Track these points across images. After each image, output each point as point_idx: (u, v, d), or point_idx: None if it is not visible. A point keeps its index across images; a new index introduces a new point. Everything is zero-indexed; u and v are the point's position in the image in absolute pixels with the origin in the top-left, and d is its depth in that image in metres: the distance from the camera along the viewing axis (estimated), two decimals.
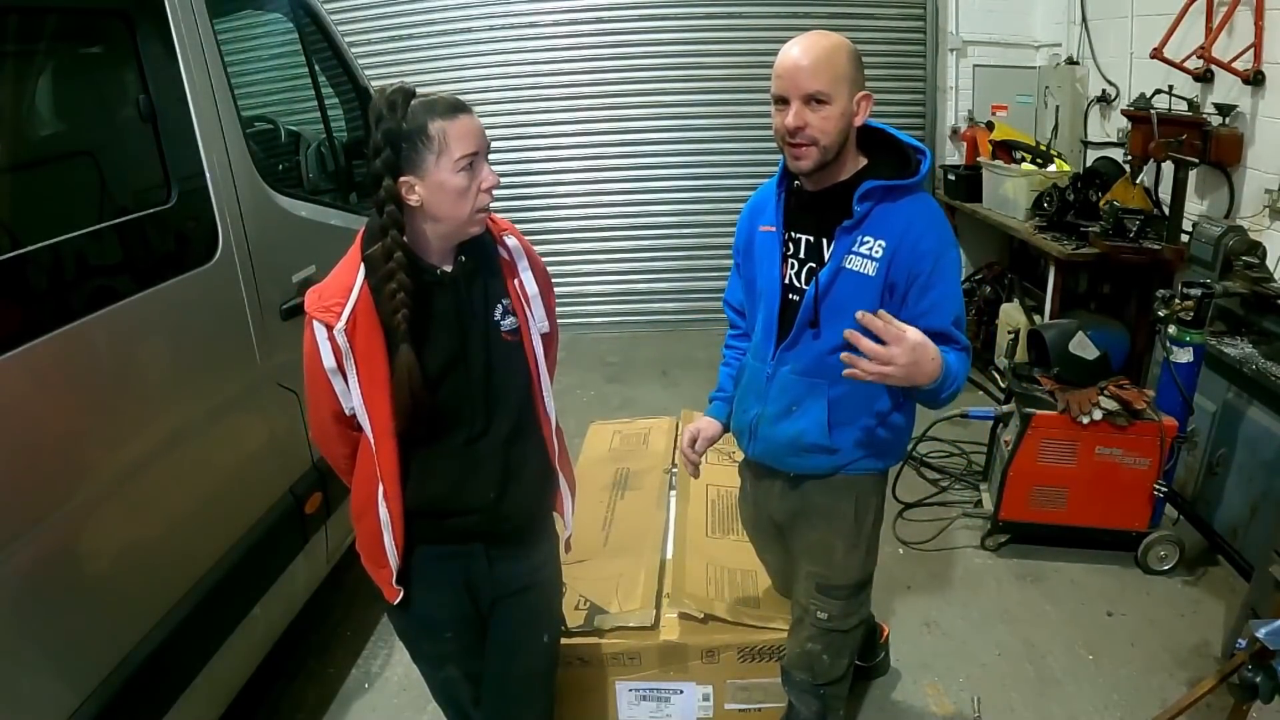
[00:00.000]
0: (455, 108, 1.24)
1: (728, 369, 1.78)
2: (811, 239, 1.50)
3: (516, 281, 1.40)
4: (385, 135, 1.21)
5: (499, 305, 1.37)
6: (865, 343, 1.27)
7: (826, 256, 1.47)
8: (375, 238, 1.26)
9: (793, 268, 1.53)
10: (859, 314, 1.28)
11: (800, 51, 1.37)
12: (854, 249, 1.44)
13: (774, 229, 1.54)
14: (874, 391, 1.51)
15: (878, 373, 1.28)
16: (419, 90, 1.26)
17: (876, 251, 1.43)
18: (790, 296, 1.53)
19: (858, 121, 1.42)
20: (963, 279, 4.68)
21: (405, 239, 1.26)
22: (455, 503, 1.39)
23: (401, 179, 1.23)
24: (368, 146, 1.25)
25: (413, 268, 1.27)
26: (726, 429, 1.74)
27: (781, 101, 1.39)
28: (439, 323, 1.32)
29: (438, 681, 1.59)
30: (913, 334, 1.29)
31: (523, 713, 1.58)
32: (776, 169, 1.53)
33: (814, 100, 1.36)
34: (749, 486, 1.79)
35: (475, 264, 1.35)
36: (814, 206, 1.49)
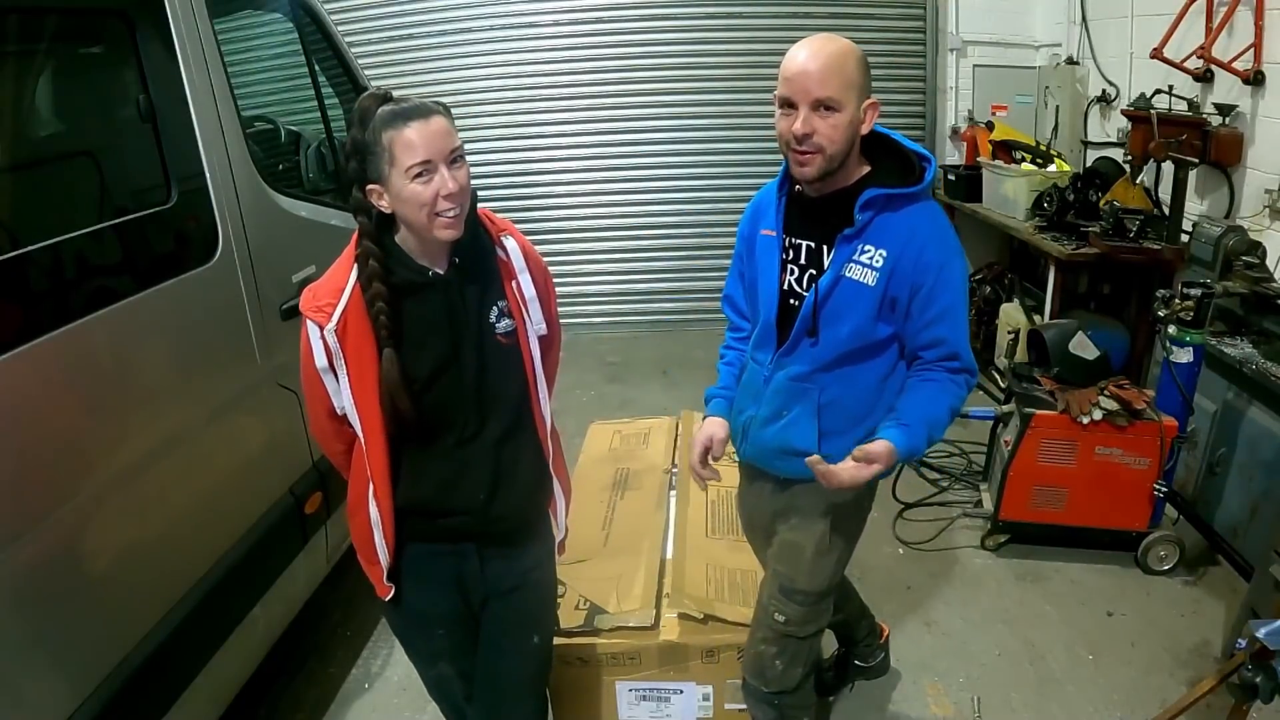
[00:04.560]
0: (406, 115, 1.20)
1: (729, 366, 1.74)
2: (812, 245, 1.48)
3: (514, 283, 1.38)
4: (353, 145, 1.23)
5: (494, 307, 1.36)
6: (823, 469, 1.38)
7: (826, 263, 1.45)
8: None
9: (792, 273, 1.51)
10: (807, 460, 1.38)
11: (809, 55, 1.33)
12: (854, 258, 1.42)
13: (774, 233, 1.52)
14: (865, 403, 1.51)
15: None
16: (395, 94, 1.25)
17: (877, 261, 1.40)
18: (790, 302, 1.51)
19: (864, 130, 1.39)
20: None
21: (387, 243, 1.28)
22: (445, 504, 1.39)
23: (370, 187, 1.24)
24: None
25: (403, 270, 1.28)
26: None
27: (788, 105, 1.36)
28: (429, 325, 1.32)
29: (431, 677, 1.59)
30: (844, 469, 1.38)
31: (512, 712, 1.58)
32: (779, 171, 1.51)
33: (823, 107, 1.33)
34: (744, 488, 1.79)
35: (469, 266, 1.34)
36: (815, 212, 1.47)
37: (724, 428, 1.66)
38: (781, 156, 1.45)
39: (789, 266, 1.51)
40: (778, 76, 1.38)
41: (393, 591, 1.43)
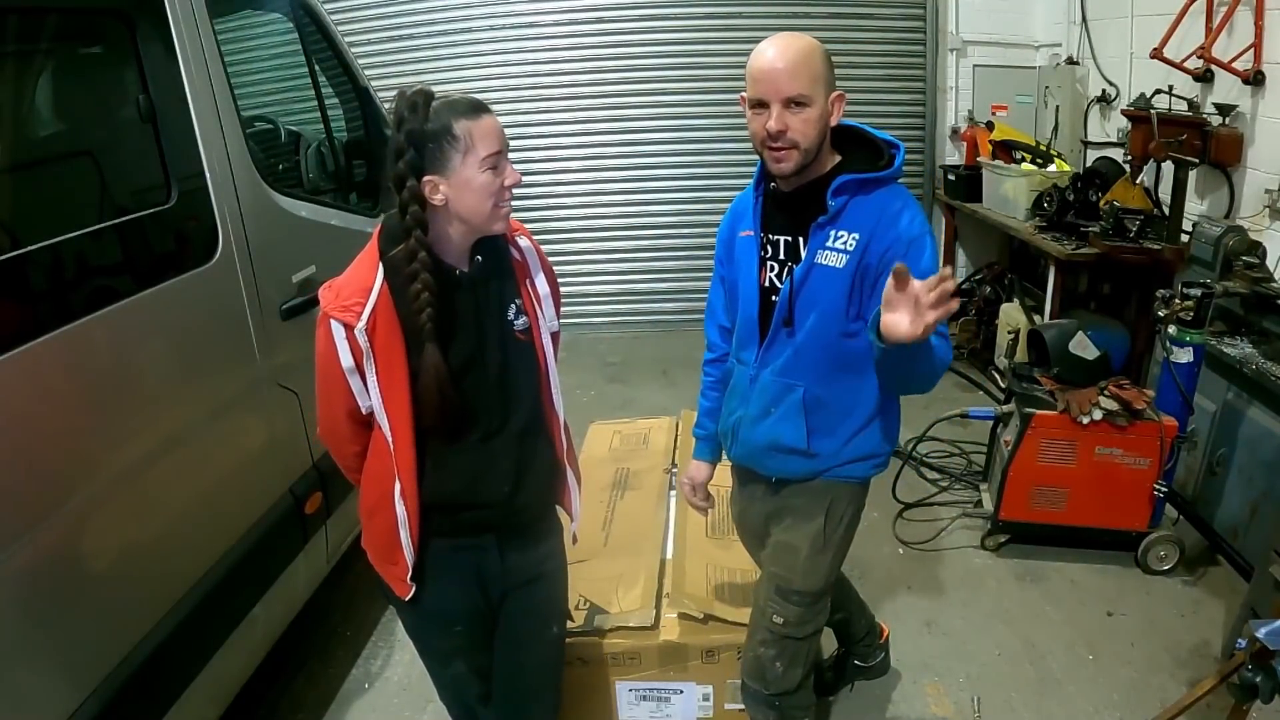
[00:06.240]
0: (477, 107, 1.25)
1: (707, 403, 1.76)
2: (789, 239, 1.49)
3: (529, 282, 1.42)
4: (408, 136, 1.22)
5: (512, 305, 1.39)
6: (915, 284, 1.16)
7: (803, 255, 1.47)
8: (397, 239, 1.26)
9: (772, 270, 1.52)
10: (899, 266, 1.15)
11: (776, 54, 1.36)
12: (827, 244, 1.43)
13: (752, 232, 1.53)
14: (852, 392, 1.51)
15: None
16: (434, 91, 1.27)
17: (849, 244, 1.41)
18: (771, 299, 1.52)
19: (833, 122, 1.41)
20: (962, 279, 4.69)
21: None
22: (471, 497, 1.41)
23: (426, 179, 1.23)
24: (387, 148, 1.25)
25: (435, 268, 1.27)
26: (716, 463, 1.78)
27: (759, 105, 1.39)
28: (459, 323, 1.33)
29: (446, 678, 1.59)
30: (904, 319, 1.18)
31: (533, 705, 1.59)
32: (754, 172, 1.53)
33: (793, 104, 1.35)
34: (736, 490, 1.80)
35: (491, 264, 1.37)
36: (790, 206, 1.49)
37: (703, 470, 1.80)
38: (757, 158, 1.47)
39: (768, 263, 1.53)
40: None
41: (412, 591, 1.43)
